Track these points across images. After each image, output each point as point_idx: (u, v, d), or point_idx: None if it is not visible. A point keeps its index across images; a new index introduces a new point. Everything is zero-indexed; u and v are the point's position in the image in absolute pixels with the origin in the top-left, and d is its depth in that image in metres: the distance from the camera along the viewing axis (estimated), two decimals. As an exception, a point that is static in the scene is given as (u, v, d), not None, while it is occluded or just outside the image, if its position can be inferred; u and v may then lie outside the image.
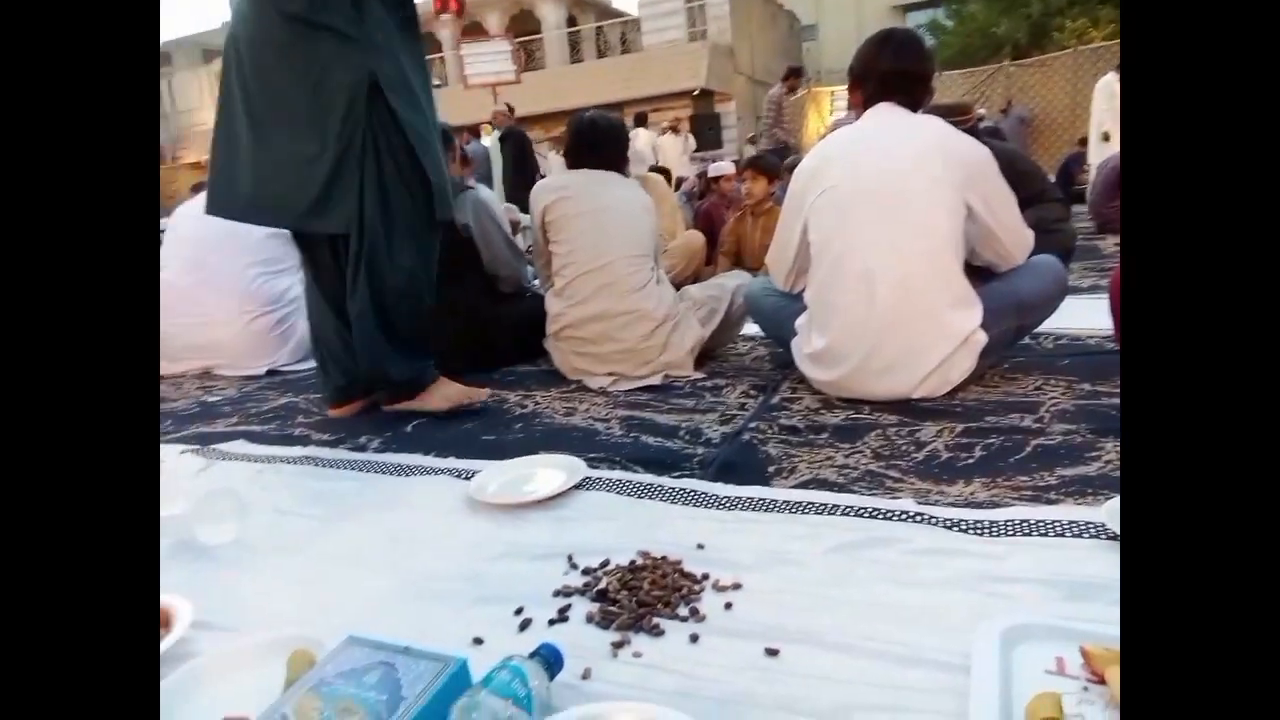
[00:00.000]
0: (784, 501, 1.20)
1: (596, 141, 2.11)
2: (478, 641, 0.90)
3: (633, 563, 1.05)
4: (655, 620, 0.91)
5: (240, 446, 1.71)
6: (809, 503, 1.18)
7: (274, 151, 1.64)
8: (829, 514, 1.14)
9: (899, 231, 1.56)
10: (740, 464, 1.38)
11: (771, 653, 0.83)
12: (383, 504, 1.34)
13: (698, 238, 3.44)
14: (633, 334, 1.96)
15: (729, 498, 1.23)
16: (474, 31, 15.42)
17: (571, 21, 17.69)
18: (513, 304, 2.36)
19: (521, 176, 6.18)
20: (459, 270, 2.25)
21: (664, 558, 1.05)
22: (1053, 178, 5.17)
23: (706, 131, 11.12)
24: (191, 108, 16.84)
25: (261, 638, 0.90)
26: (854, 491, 1.21)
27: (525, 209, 2.43)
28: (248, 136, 1.66)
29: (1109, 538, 0.99)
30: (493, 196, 2.40)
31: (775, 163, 3.65)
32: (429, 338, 1.83)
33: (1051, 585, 0.90)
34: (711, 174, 4.36)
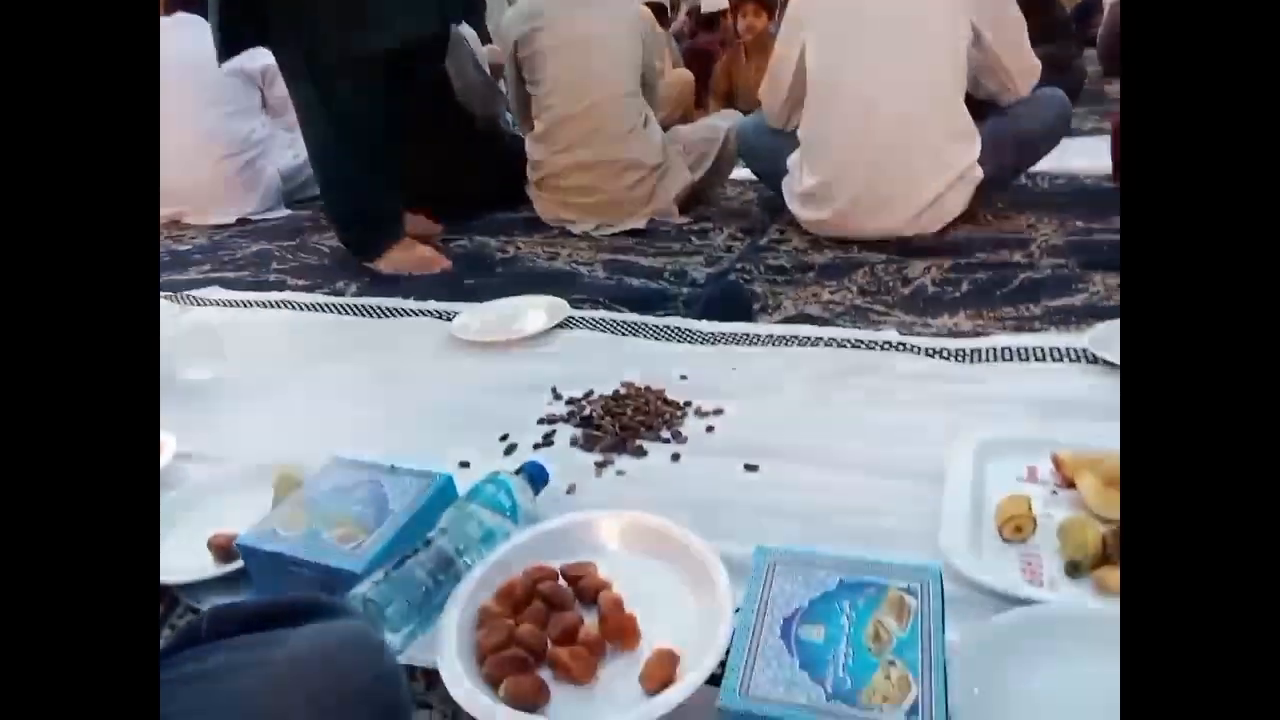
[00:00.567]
0: (768, 335, 1.19)
1: None
2: (464, 465, 0.92)
3: (616, 392, 1.05)
4: (638, 442, 0.93)
5: (215, 293, 1.67)
6: (792, 336, 1.18)
7: None
8: (812, 345, 1.14)
9: (902, 57, 1.46)
10: (725, 302, 1.37)
11: (751, 468, 0.85)
12: (363, 344, 1.33)
13: (687, 77, 3.24)
14: (619, 184, 1.88)
15: (713, 333, 1.23)
16: None
17: None
18: (491, 146, 2.25)
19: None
20: (435, 109, 2.12)
21: (647, 387, 1.05)
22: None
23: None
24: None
25: (247, 464, 0.91)
26: (838, 325, 1.21)
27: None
28: None
29: (1090, 361, 0.99)
30: (472, 36, 2.22)
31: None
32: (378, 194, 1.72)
33: (1029, 404, 0.92)
34: (705, 9, 4.05)
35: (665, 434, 0.94)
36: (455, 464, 0.92)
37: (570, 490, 0.84)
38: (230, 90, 2.41)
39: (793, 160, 1.70)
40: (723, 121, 2.09)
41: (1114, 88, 3.61)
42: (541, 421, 1.01)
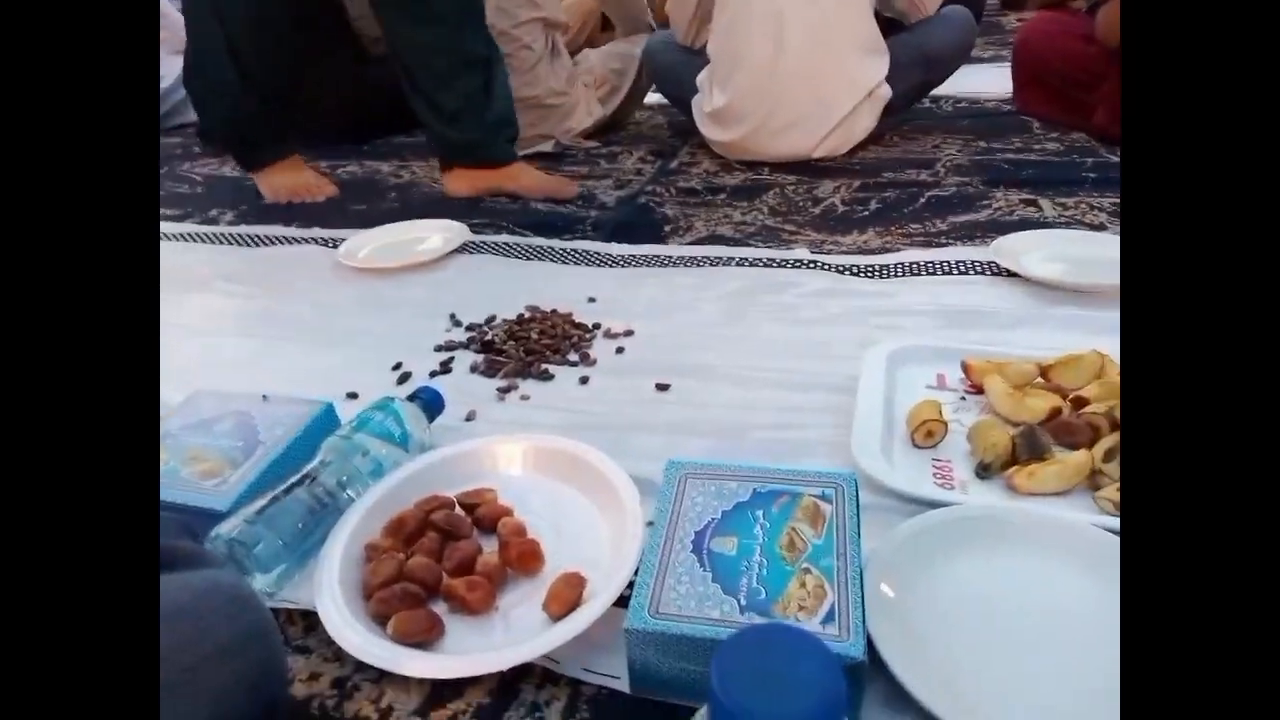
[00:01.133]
0: (679, 257, 1.15)
1: None
2: (351, 396, 0.84)
3: (520, 316, 0.99)
4: (544, 366, 0.87)
5: (65, 223, 1.49)
6: (704, 257, 1.14)
7: None
8: (724, 265, 1.10)
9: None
10: (636, 225, 1.31)
11: (662, 387, 0.82)
12: (240, 275, 1.20)
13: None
14: (520, 118, 1.76)
15: (623, 256, 1.17)
16: None
17: None
18: (384, 68, 2.07)
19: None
20: (320, 27, 1.93)
21: (554, 311, 0.99)
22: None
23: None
24: None
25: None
26: (750, 245, 1.17)
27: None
28: None
29: (995, 273, 1.00)
30: None
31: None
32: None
33: (938, 315, 0.91)
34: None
35: (573, 357, 0.89)
36: (342, 395, 0.84)
37: (469, 418, 0.78)
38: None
39: (702, 79, 1.63)
40: (635, 48, 1.97)
41: (1009, 18, 3.68)
42: (439, 349, 0.93)
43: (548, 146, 1.80)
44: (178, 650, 0.36)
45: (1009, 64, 1.85)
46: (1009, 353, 0.76)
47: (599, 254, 1.19)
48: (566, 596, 0.52)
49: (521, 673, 0.49)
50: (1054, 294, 0.93)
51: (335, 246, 1.25)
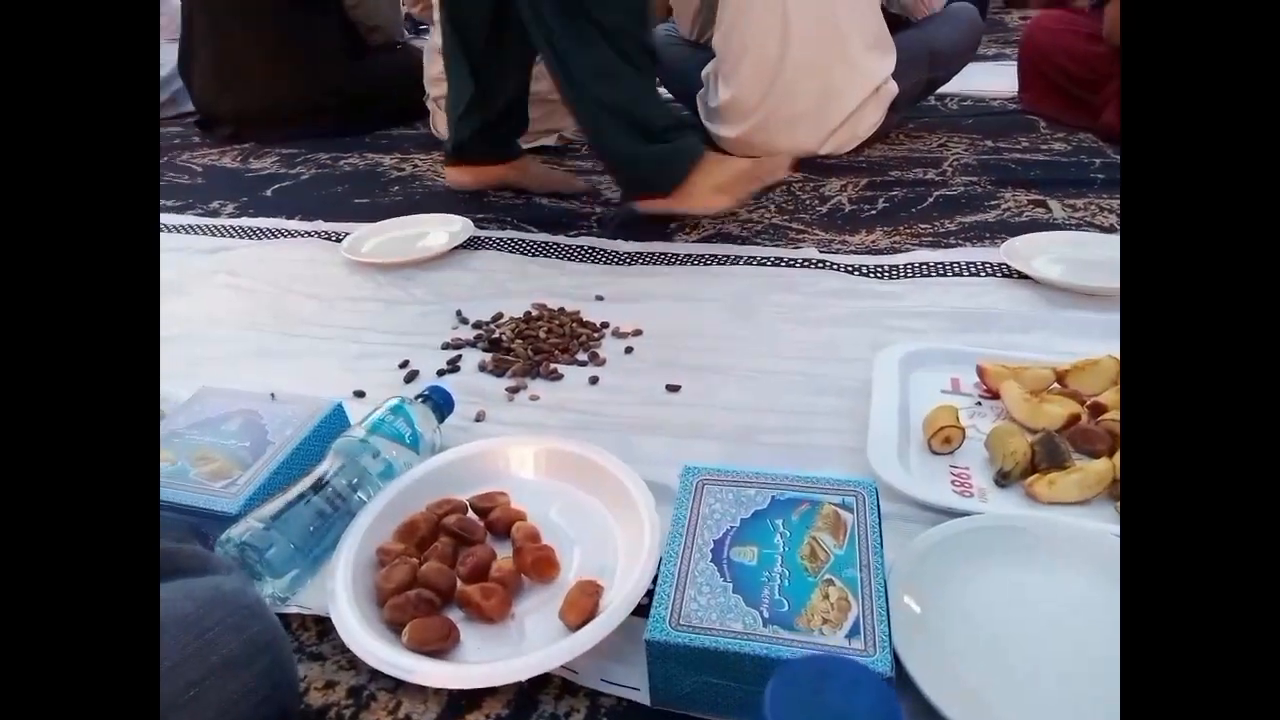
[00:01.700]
0: (686, 255, 1.14)
1: None
2: (359, 394, 0.83)
3: (527, 314, 0.98)
4: (553, 366, 0.86)
5: (63, 214, 1.47)
6: (711, 255, 1.13)
7: None
8: (732, 264, 1.10)
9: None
10: (641, 222, 1.30)
11: (673, 388, 0.81)
12: (242, 267, 1.19)
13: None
14: None
15: (629, 253, 1.16)
16: None
17: None
18: (383, 57, 2.05)
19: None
20: (316, 10, 1.91)
21: (561, 309, 0.98)
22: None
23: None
24: None
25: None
26: (757, 244, 1.17)
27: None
28: None
29: (1005, 275, 0.99)
30: None
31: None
32: None
33: (949, 318, 0.90)
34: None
35: (582, 356, 0.88)
36: (349, 394, 0.83)
37: (479, 418, 0.78)
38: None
39: (706, 73, 1.62)
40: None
41: (1015, 16, 3.67)
42: (446, 346, 0.92)
43: (552, 140, 1.78)
44: (183, 664, 0.36)
45: (1014, 62, 1.85)
46: (1024, 357, 0.76)
47: (605, 251, 1.18)
48: (583, 605, 0.51)
49: (540, 683, 0.49)
50: (1067, 297, 0.92)
51: (338, 240, 1.24)
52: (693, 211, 1.22)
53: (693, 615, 0.45)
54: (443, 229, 1.24)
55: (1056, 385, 0.71)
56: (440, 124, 1.84)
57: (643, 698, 0.47)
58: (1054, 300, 0.92)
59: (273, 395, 0.70)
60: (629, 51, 1.11)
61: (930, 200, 1.28)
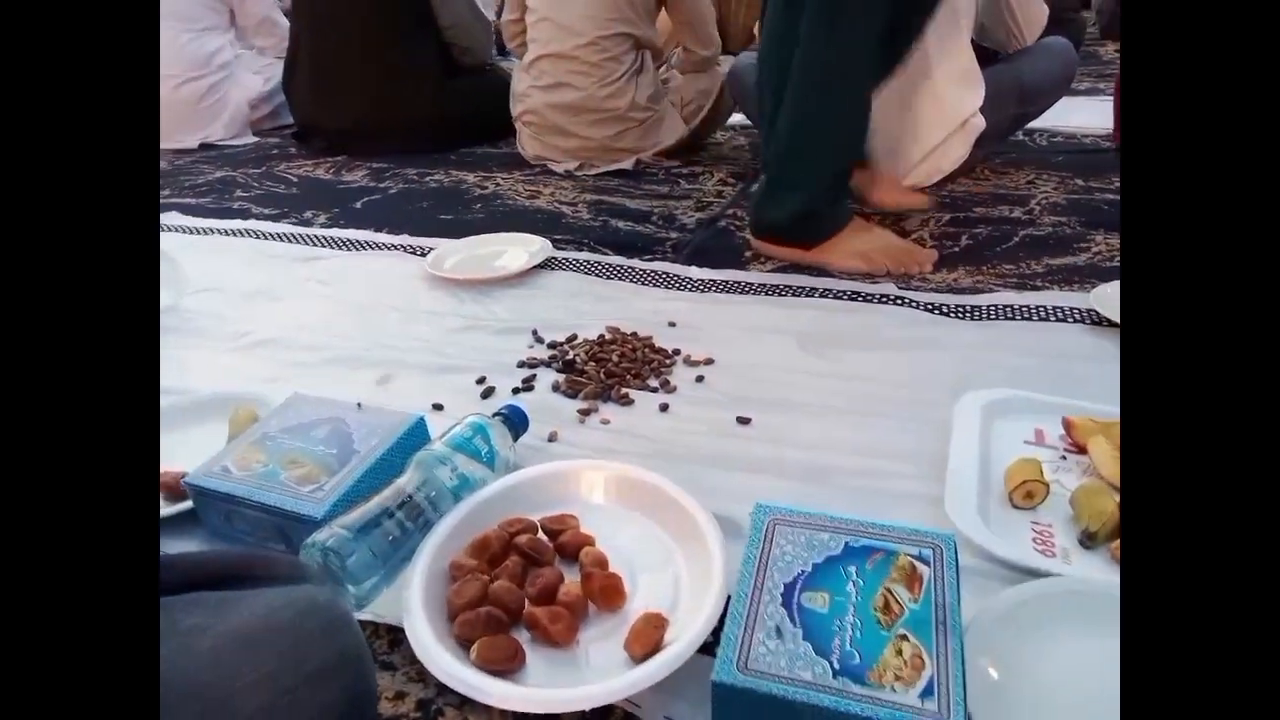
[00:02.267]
0: (760, 284, 1.14)
1: None
2: (437, 407, 0.86)
3: (601, 337, 0.99)
4: (624, 390, 0.87)
5: (173, 218, 1.57)
6: (786, 285, 1.12)
7: None
8: (806, 296, 1.09)
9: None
10: (715, 249, 1.30)
11: (744, 421, 0.81)
12: (332, 276, 1.24)
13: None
14: (601, 132, 1.78)
15: (702, 280, 1.17)
16: None
17: None
18: (472, 77, 2.13)
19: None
20: (414, 32, 2.00)
21: (634, 333, 1.00)
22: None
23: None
24: None
25: (202, 395, 0.85)
26: (833, 276, 1.15)
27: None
28: None
29: (1094, 322, 0.95)
30: None
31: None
32: None
33: (1034, 364, 0.88)
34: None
35: (653, 383, 0.89)
36: (429, 406, 0.86)
37: (551, 439, 0.79)
38: (192, 6, 2.24)
39: (790, 103, 1.62)
40: (722, 69, 1.96)
41: (1110, 49, 3.54)
42: (521, 365, 0.95)
43: (628, 163, 1.81)
44: (280, 671, 0.37)
45: (1109, 97, 1.79)
46: (1114, 411, 0.73)
47: (678, 277, 1.18)
48: (649, 638, 0.51)
49: (602, 713, 0.49)
50: (1161, 349, 0.88)
51: (422, 255, 1.29)
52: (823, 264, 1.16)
53: (761, 660, 0.45)
54: (522, 248, 1.27)
55: (1149, 444, 0.68)
56: (525, 142, 1.90)
57: (704, 737, 0.47)
58: (1148, 352, 0.88)
59: (359, 405, 0.73)
60: None
61: (1016, 240, 1.25)
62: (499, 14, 2.08)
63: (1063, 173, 1.58)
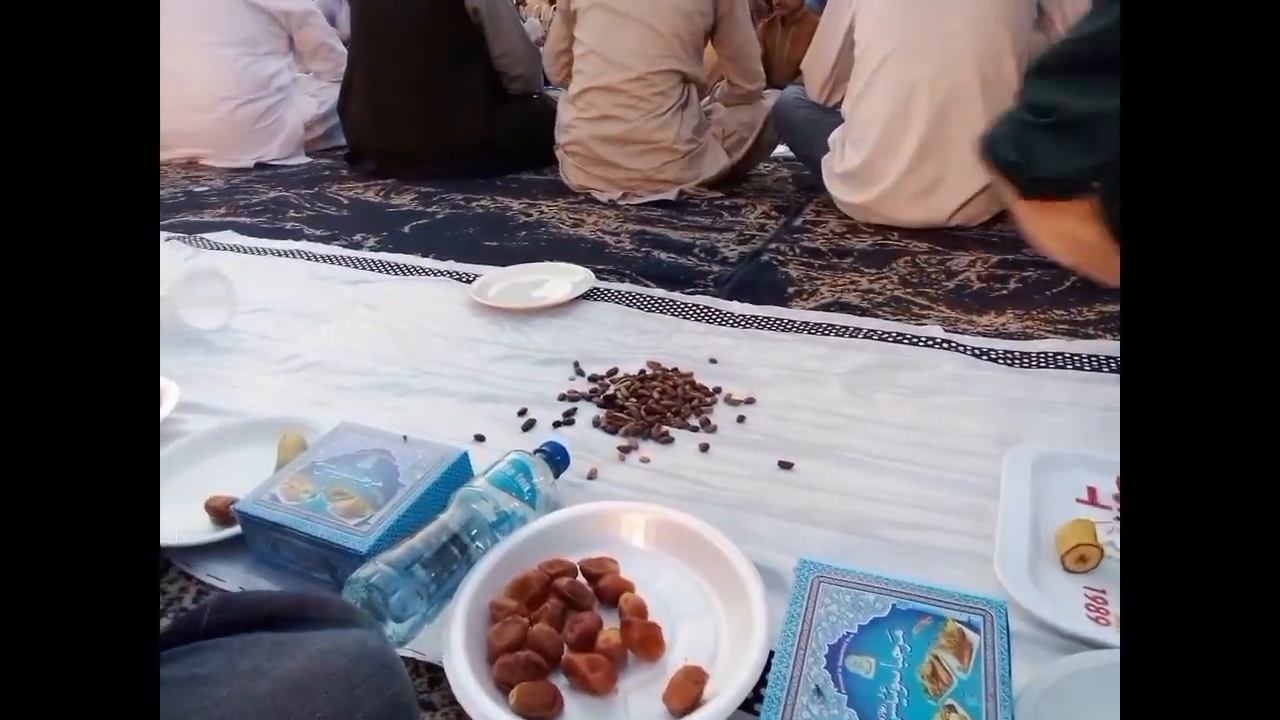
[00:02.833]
0: (803, 322, 1.13)
1: None
2: (479, 439, 0.87)
3: (642, 372, 0.99)
4: (665, 428, 0.87)
5: (229, 237, 1.62)
6: (829, 324, 1.12)
7: None
8: (850, 336, 1.08)
9: (960, 34, 1.38)
10: (758, 283, 1.30)
11: (785, 465, 0.80)
12: (379, 300, 1.27)
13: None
14: (645, 163, 1.80)
15: (745, 316, 1.16)
16: None
17: None
18: (520, 104, 2.17)
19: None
20: (467, 60, 2.05)
21: (675, 369, 0.99)
22: None
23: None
24: None
25: (252, 419, 0.87)
26: (878, 316, 1.14)
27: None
28: None
29: (1150, 375, 0.93)
30: None
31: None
32: None
33: (1086, 417, 0.85)
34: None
35: (694, 421, 0.89)
36: (470, 436, 0.87)
37: (591, 475, 0.79)
38: (253, 30, 2.33)
39: (834, 138, 1.62)
40: (766, 102, 1.97)
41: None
42: (563, 398, 0.95)
43: (671, 194, 1.82)
44: (333, 718, 0.37)
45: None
46: (1171, 472, 0.70)
47: (720, 311, 1.18)
48: (689, 692, 0.51)
49: (640, 767, 0.49)
50: (1221, 406, 0.85)
51: (467, 281, 1.31)
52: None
53: (804, 724, 0.44)
54: (565, 278, 1.28)
55: (1210, 509, 0.66)
56: (569, 171, 1.92)
57: (744, 801, 0.46)
58: (1207, 408, 0.86)
59: (405, 437, 0.74)
60: None
61: (1068, 284, 1.22)
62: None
63: (1115, 214, 1.54)
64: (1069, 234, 0.78)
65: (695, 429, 0.88)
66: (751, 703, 0.50)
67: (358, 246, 1.56)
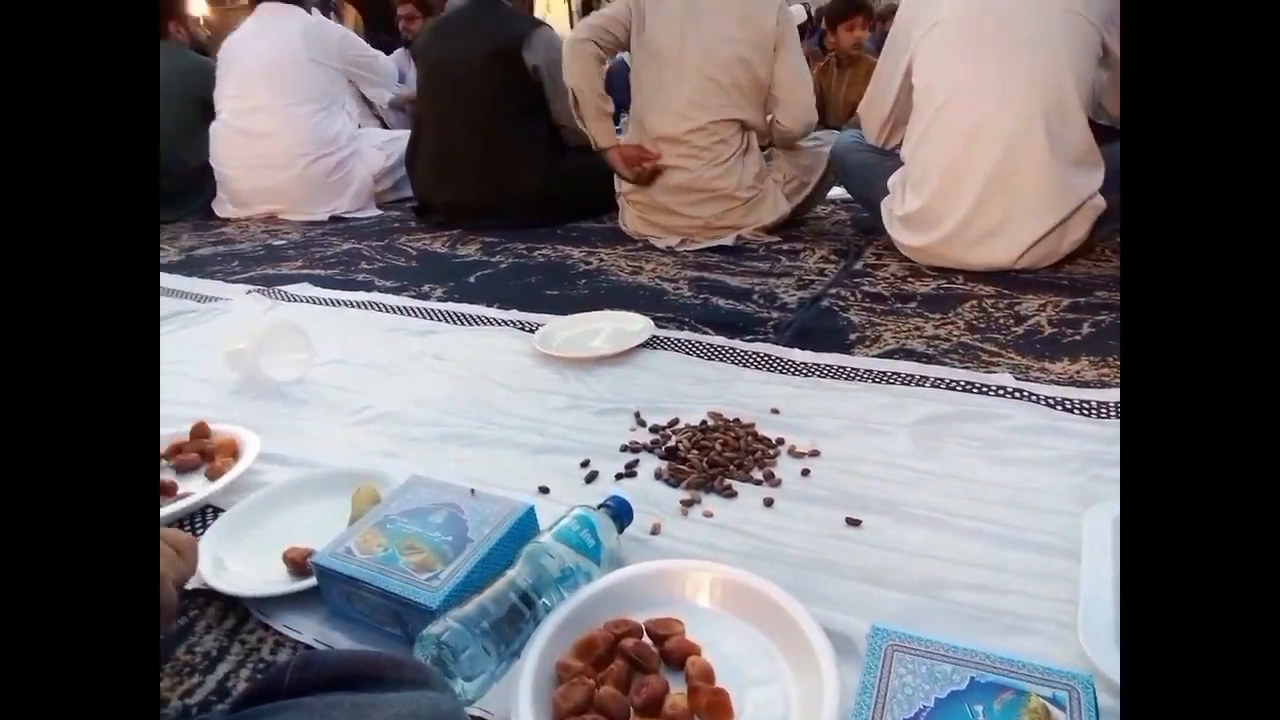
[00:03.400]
0: (866, 370, 1.12)
1: None
2: (543, 490, 0.88)
3: (703, 423, 0.99)
4: (728, 482, 0.87)
5: (305, 289, 1.70)
6: (894, 373, 1.10)
7: None
8: (917, 385, 1.06)
9: (1021, 75, 1.36)
10: (819, 330, 1.30)
11: (853, 522, 0.78)
12: (447, 352, 1.31)
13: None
14: (706, 211, 1.83)
15: (806, 364, 1.16)
16: None
17: None
18: (579, 157, 2.23)
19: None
20: (528, 115, 2.12)
21: (736, 420, 0.99)
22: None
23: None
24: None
25: (328, 471, 0.90)
26: (945, 364, 1.12)
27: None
28: None
29: (1241, 427, 0.88)
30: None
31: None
32: None
33: (1171, 473, 0.81)
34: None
35: (757, 475, 0.88)
36: (535, 488, 0.88)
37: (655, 531, 0.79)
38: (322, 86, 2.47)
39: (894, 181, 1.61)
40: (825, 148, 1.97)
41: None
42: (624, 449, 0.96)
43: (729, 239, 1.84)
44: None
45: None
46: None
47: (781, 359, 1.18)
48: (759, 763, 0.50)
49: (710, 842, 0.48)
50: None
51: (530, 330, 1.34)
52: None
53: (881, 805, 0.43)
54: (625, 326, 1.30)
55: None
56: (629, 219, 1.96)
57: None
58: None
59: (473, 491, 0.76)
60: None
61: (1145, 328, 1.18)
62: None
63: (1194, 253, 1.49)
64: None
65: (759, 482, 0.87)
66: (824, 777, 0.49)
67: (426, 297, 1.61)
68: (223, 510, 0.85)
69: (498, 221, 2.13)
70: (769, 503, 0.83)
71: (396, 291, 1.66)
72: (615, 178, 1.97)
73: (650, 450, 0.95)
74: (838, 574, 0.71)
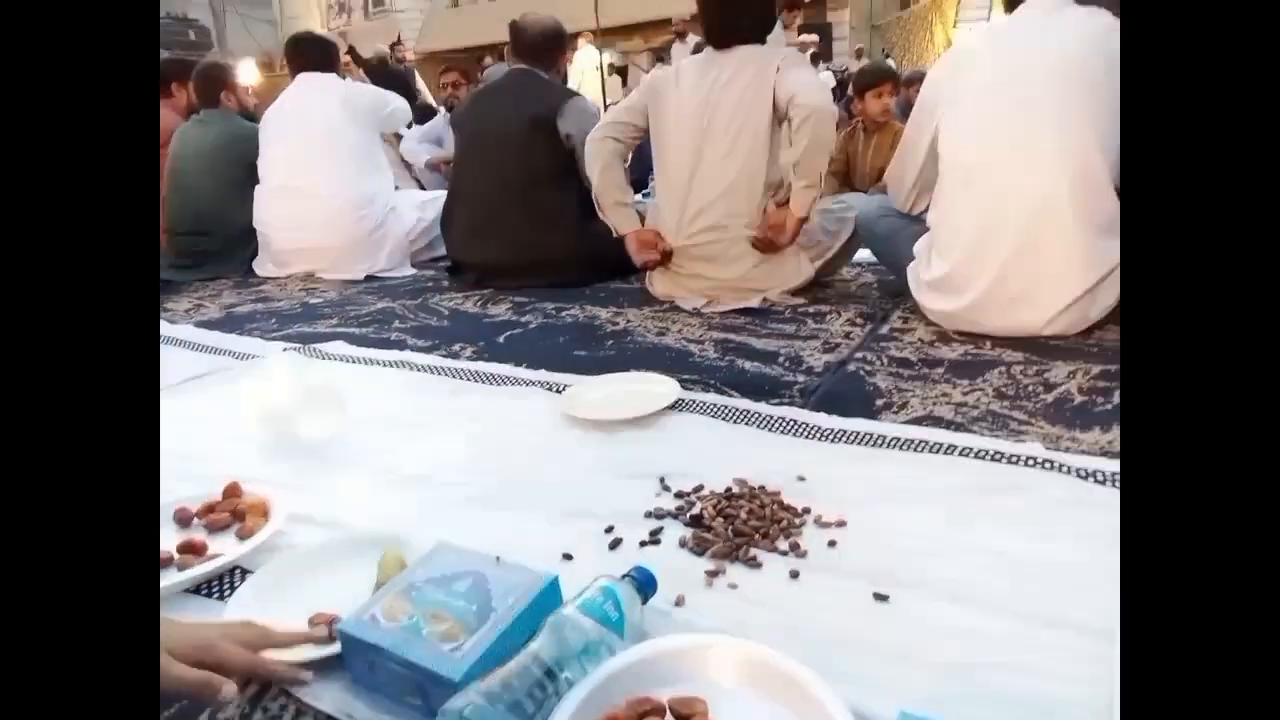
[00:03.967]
0: (894, 438, 1.11)
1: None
2: (567, 557, 0.88)
3: (728, 490, 0.99)
4: (753, 552, 0.86)
5: (339, 347, 1.74)
6: (922, 440, 1.09)
7: None
8: (945, 454, 1.05)
9: (1048, 141, 1.38)
10: (845, 395, 1.29)
11: (881, 597, 0.77)
12: (475, 412, 1.33)
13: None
14: (732, 271, 1.85)
15: (832, 430, 1.15)
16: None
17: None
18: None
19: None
20: (560, 181, 2.19)
21: (762, 487, 0.99)
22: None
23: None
24: (298, 15, 17.09)
25: (355, 534, 0.91)
26: (974, 431, 1.11)
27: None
28: None
29: None
30: (597, 107, 2.30)
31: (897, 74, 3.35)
32: None
33: (1212, 551, 0.79)
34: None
35: (782, 545, 0.87)
36: (559, 553, 0.88)
37: (679, 603, 0.78)
38: (363, 148, 2.57)
39: (920, 246, 1.62)
40: (850, 211, 1.99)
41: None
42: (649, 515, 0.95)
43: (754, 302, 1.85)
44: None
45: None
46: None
47: (807, 425, 1.17)
48: None
49: None
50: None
51: (558, 392, 1.35)
52: None
53: None
54: (651, 388, 1.31)
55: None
56: (656, 280, 1.99)
57: None
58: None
59: (498, 559, 0.76)
60: None
61: (1180, 398, 1.15)
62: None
63: (1229, 319, 1.46)
64: None
65: (784, 553, 0.86)
66: None
67: (456, 356, 1.64)
68: (251, 571, 0.86)
69: (529, 281, 2.18)
70: (795, 575, 0.82)
71: (428, 350, 1.69)
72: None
73: (675, 517, 0.95)
74: (865, 651, 0.69)
